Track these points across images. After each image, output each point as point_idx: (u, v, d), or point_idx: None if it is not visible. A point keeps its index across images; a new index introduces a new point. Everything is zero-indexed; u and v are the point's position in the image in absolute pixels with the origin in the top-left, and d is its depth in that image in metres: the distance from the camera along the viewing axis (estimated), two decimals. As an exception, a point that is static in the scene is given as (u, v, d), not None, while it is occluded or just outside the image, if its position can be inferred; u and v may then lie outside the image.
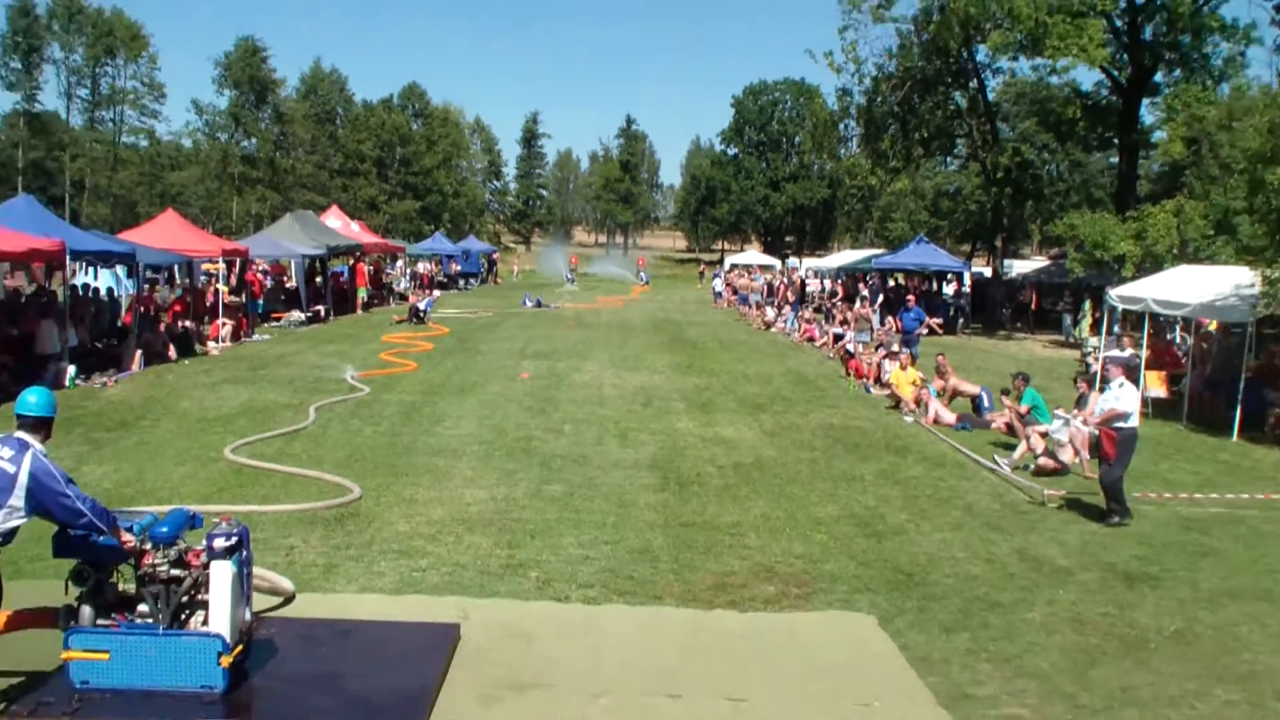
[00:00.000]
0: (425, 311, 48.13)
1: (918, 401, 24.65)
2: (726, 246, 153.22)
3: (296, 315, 45.88)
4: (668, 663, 9.88)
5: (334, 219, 61.29)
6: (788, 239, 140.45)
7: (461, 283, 78.89)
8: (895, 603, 11.82)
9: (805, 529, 14.69)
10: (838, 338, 38.38)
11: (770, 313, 53.08)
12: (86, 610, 8.94)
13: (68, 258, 28.08)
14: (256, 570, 10.14)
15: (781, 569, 12.86)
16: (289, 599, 11.19)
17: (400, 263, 69.88)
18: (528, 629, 10.62)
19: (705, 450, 19.95)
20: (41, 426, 8.68)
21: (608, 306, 64.16)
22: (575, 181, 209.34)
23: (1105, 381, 16.37)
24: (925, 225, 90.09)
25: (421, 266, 73.79)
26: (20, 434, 8.56)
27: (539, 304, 60.65)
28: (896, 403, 25.46)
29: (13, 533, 8.47)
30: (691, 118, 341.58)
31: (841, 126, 67.63)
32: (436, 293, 62.58)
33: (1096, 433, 16.50)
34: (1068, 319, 49.93)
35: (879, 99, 58.98)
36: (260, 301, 44.54)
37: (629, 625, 10.87)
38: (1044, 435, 19.77)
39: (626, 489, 16.68)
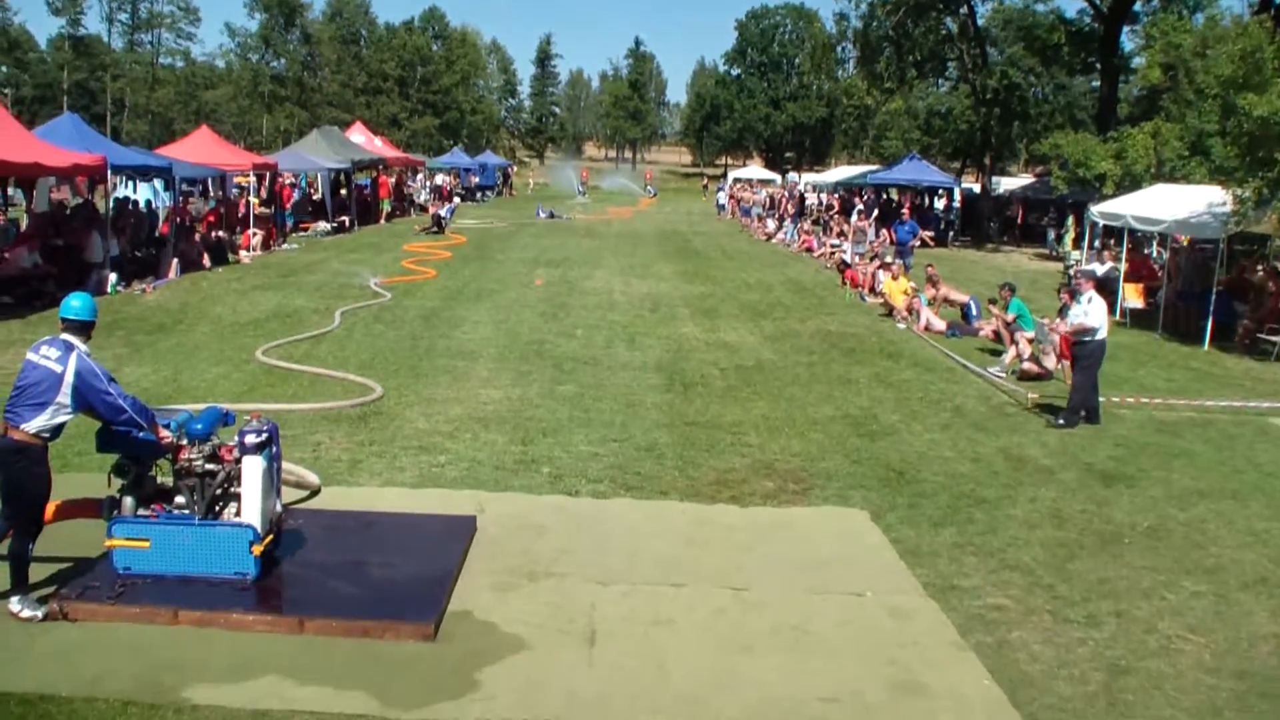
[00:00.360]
0: (446, 219, 47.94)
1: (910, 309, 24.60)
2: (730, 162, 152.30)
3: (323, 225, 45.73)
4: (672, 554, 9.90)
5: (358, 135, 60.95)
6: (788, 155, 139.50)
7: (478, 195, 78.42)
8: (886, 499, 11.83)
9: (802, 428, 14.68)
10: (834, 248, 38.27)
11: (771, 225, 52.79)
12: (128, 501, 8.98)
13: (109, 172, 27.97)
14: (285, 465, 10.15)
15: (780, 466, 12.86)
16: (315, 492, 11.23)
17: (420, 176, 69.55)
18: (540, 521, 10.64)
19: (709, 354, 19.91)
20: (84, 329, 8.65)
21: (617, 218, 63.91)
22: (586, 100, 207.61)
23: (1076, 294, 16.27)
24: (918, 143, 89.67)
25: (440, 179, 73.28)
26: (65, 336, 8.55)
27: (552, 215, 60.33)
28: (890, 310, 25.38)
29: (60, 428, 8.47)
30: (696, 39, 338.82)
31: (839, 49, 67.19)
32: (457, 200, 62.16)
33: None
34: (1051, 234, 49.64)
35: (874, 23, 58.57)
36: (289, 212, 44.33)
37: (636, 518, 10.89)
38: (1031, 342, 19.73)
39: (634, 390, 16.66)
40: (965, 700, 7.53)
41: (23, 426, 8.24)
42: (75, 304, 8.69)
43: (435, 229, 46.50)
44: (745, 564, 9.72)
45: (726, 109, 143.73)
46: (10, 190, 33.73)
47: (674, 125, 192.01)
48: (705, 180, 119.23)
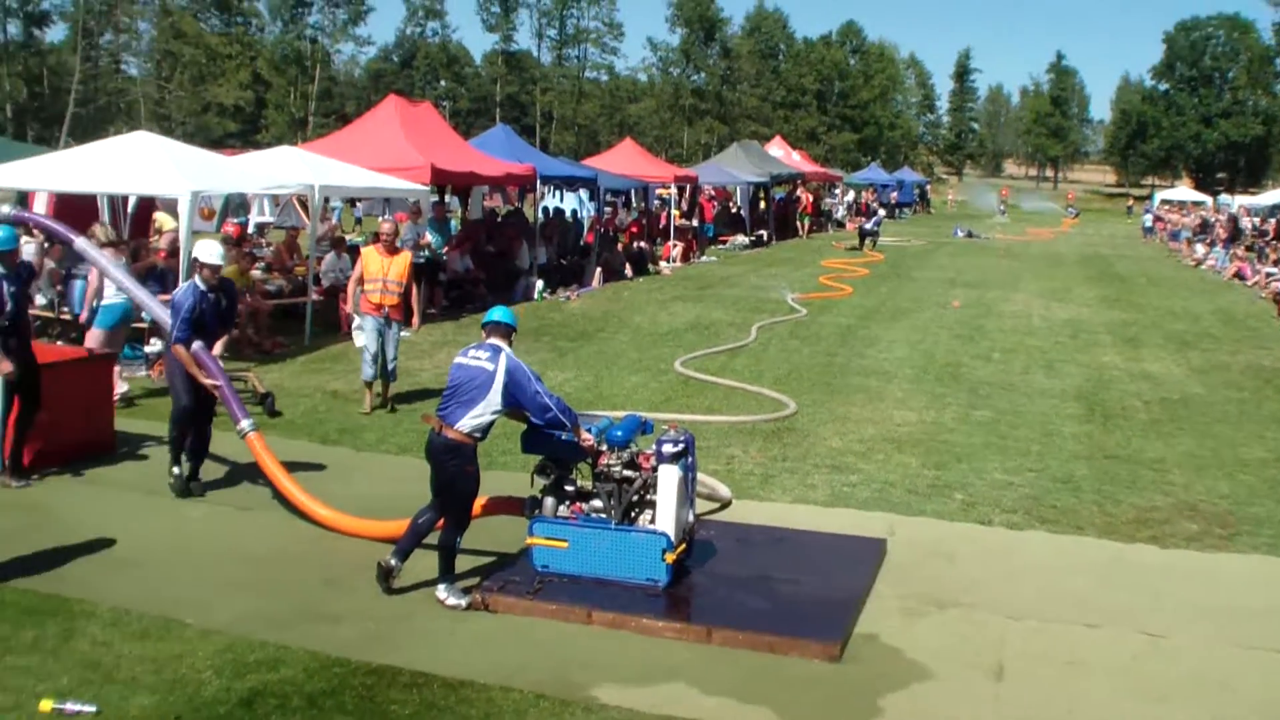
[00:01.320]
0: (873, 229, 47.78)
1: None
2: (1156, 182, 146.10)
3: (741, 239, 46.46)
4: (1086, 592, 9.54)
5: (777, 149, 61.73)
6: (1219, 176, 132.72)
7: (896, 212, 78.01)
8: (1327, 551, 11.05)
9: (1231, 469, 13.89)
10: (1270, 277, 36.19)
11: (1200, 249, 50.44)
12: (549, 502, 9.35)
13: (538, 182, 29.27)
14: (699, 475, 10.36)
15: (1205, 508, 12.21)
16: (726, 504, 11.40)
17: (838, 191, 69.77)
18: (951, 549, 10.47)
19: (1131, 384, 19.16)
20: (507, 333, 9.09)
21: (1037, 239, 62.33)
22: (1005, 116, 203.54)
23: None
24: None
25: (852, 196, 73.33)
26: (492, 340, 9.02)
27: (970, 234, 59.48)
28: (1333, 346, 23.81)
29: (489, 427, 8.92)
30: (1121, 53, 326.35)
31: (1277, 62, 63.39)
32: (881, 212, 61.97)
33: None
34: None
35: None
36: (709, 225, 45.22)
37: (1049, 552, 10.56)
38: None
39: (1052, 418, 16.18)
40: None
41: (456, 425, 8.72)
42: (498, 314, 9.19)
43: (860, 246, 46.42)
44: (1164, 609, 9.25)
45: (1153, 126, 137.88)
46: (448, 197, 35.68)
47: (1097, 143, 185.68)
48: (1130, 201, 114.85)
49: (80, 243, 13.08)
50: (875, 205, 65.75)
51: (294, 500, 10.58)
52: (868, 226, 48.31)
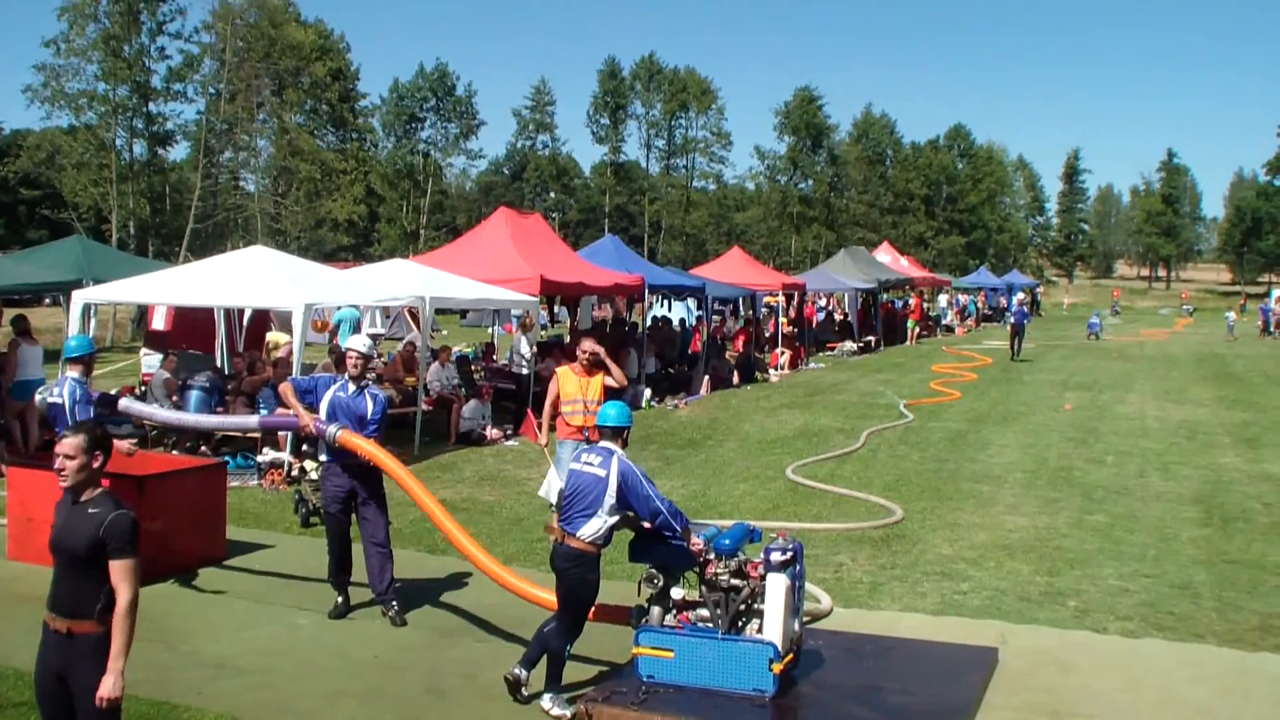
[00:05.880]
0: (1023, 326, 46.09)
1: None
2: (1273, 279, 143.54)
3: (849, 345, 46.38)
4: (1208, 703, 9.27)
5: (885, 254, 61.75)
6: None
7: (1003, 317, 77.38)
8: None
9: (1359, 574, 13.54)
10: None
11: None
12: (656, 611, 9.29)
13: (646, 291, 29.46)
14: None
15: (1332, 613, 11.90)
16: (826, 614, 11.29)
17: (944, 296, 69.51)
18: (1065, 658, 10.24)
19: (1251, 486, 18.71)
20: (619, 435, 9.19)
21: (1150, 339, 61.53)
22: (1116, 215, 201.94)
23: None
24: None
25: (962, 299, 72.98)
26: (605, 443, 9.10)
27: (1099, 328, 59.37)
28: None
29: (610, 534, 9.03)
30: (1234, 149, 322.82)
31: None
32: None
33: None
34: None
35: None
36: (808, 331, 45.19)
37: (1168, 661, 10.28)
38: None
39: (1168, 522, 15.84)
40: None
41: (579, 534, 8.80)
42: (611, 413, 9.32)
43: (1014, 351, 44.71)
44: (1291, 719, 9.02)
45: (1269, 222, 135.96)
46: (557, 308, 36.00)
47: (1210, 241, 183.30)
48: (1243, 299, 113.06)
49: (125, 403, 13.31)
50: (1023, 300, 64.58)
51: (424, 506, 10.82)
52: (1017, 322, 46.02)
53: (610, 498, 8.83)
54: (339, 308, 22.56)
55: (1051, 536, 14.88)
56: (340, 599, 11.30)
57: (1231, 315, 69.91)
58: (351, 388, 11.36)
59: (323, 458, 11.54)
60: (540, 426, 14.67)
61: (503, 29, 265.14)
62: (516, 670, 8.96)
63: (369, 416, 11.38)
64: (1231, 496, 17.82)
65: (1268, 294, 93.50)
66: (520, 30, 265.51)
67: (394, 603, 11.21)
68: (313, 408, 11.37)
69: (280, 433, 17.41)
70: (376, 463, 10.93)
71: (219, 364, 22.97)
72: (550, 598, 9.40)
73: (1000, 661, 9.96)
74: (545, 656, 8.89)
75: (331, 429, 10.96)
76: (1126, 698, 9.34)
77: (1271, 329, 66.15)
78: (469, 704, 8.99)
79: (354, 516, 11.47)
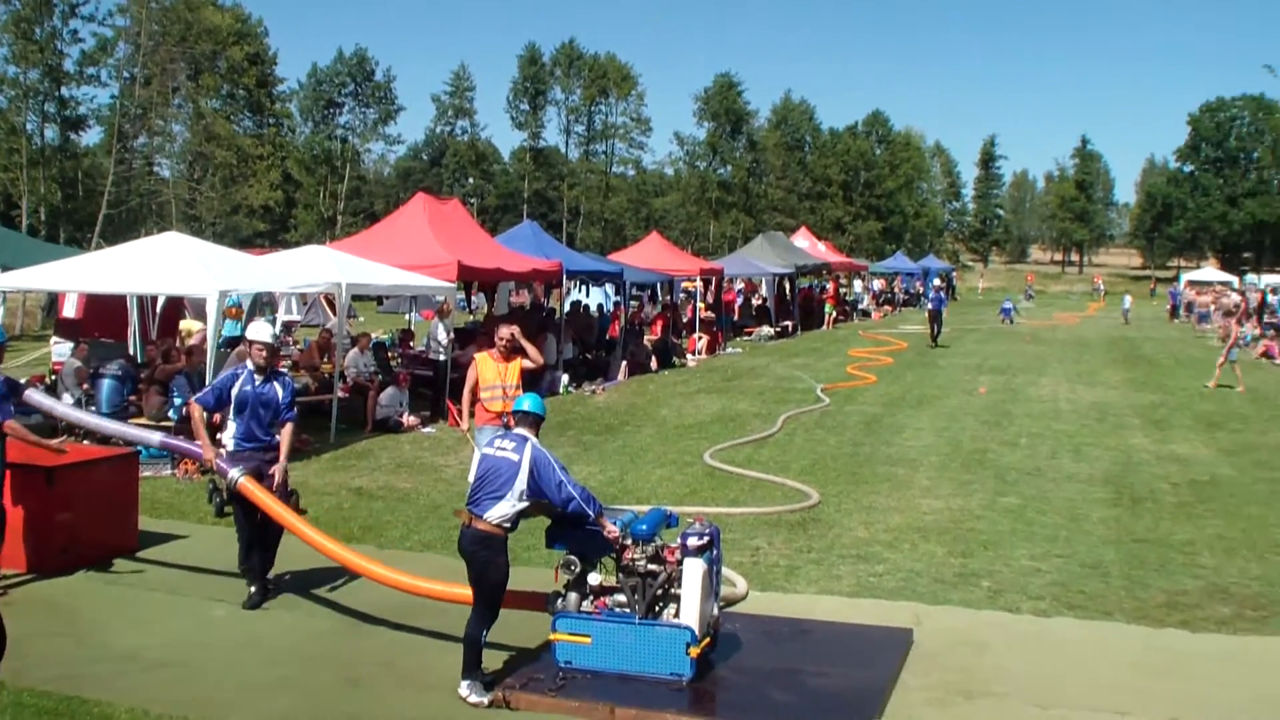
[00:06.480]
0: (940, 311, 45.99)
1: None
2: (1182, 264, 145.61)
3: (766, 330, 46.55)
4: (1117, 679, 9.42)
5: (802, 240, 62.00)
6: (1246, 255, 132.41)
7: (919, 300, 78.02)
8: (1360, 632, 10.87)
9: (1263, 551, 13.71)
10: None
11: (1232, 329, 50.26)
12: (573, 597, 9.31)
13: (564, 276, 29.40)
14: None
15: (1237, 590, 12.06)
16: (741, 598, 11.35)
17: (858, 282, 69.95)
18: (979, 638, 10.36)
19: (1159, 467, 19.02)
20: (535, 423, 9.24)
21: (1063, 323, 62.33)
22: (1031, 201, 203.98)
23: None
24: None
25: (875, 284, 73.48)
26: (520, 430, 9.13)
27: (1012, 310, 59.98)
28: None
29: (518, 519, 9.01)
30: (1146, 136, 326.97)
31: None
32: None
33: None
34: None
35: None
36: (726, 317, 45.29)
37: (1079, 639, 10.44)
38: None
39: (1079, 503, 16.07)
40: None
41: (485, 516, 8.78)
42: (526, 403, 9.37)
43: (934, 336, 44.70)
44: (1196, 695, 9.12)
45: (1179, 208, 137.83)
46: (475, 294, 35.83)
47: (1122, 226, 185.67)
48: (1153, 283, 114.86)
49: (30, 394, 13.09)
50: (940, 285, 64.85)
51: (316, 545, 10.62)
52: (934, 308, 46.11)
53: (521, 483, 8.83)
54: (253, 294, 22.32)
55: (965, 518, 15.04)
56: (253, 589, 11.20)
57: (1128, 299, 71.00)
58: (258, 378, 11.27)
59: (229, 444, 11.36)
60: (460, 413, 14.64)
61: (423, 14, 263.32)
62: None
63: (281, 402, 11.37)
64: (1140, 477, 18.10)
65: (1177, 278, 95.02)
66: (440, 15, 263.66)
67: (263, 586, 11.24)
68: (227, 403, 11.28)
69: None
70: (275, 517, 10.78)
71: (132, 352, 22.66)
72: (465, 593, 9.36)
73: (915, 642, 10.06)
74: (463, 643, 8.83)
75: (233, 474, 10.82)
76: (1039, 675, 9.47)
77: (1180, 313, 67.17)
78: (386, 693, 8.94)
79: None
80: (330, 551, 10.53)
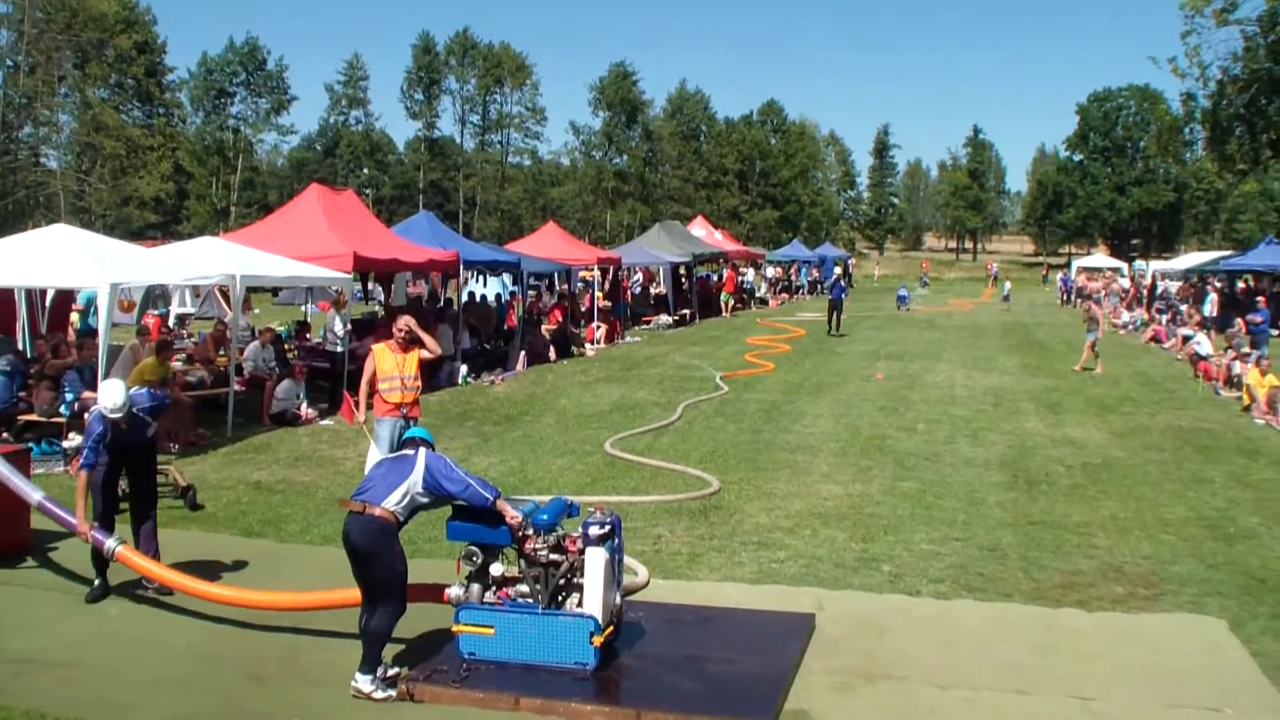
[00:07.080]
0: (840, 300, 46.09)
1: (1271, 404, 23.24)
2: (1073, 250, 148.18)
3: (664, 319, 46.66)
4: (1016, 659, 9.55)
5: (699, 228, 62.27)
6: (1134, 242, 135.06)
7: (817, 288, 78.57)
8: (1247, 608, 11.04)
9: (1154, 530, 13.99)
10: (1186, 339, 36.68)
11: (1125, 315, 51.23)
12: (475, 588, 9.26)
13: (461, 267, 29.23)
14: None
15: (1130, 569, 12.28)
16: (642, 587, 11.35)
17: (752, 271, 70.28)
18: (880, 621, 10.45)
19: (1054, 450, 19.30)
20: (428, 447, 9.38)
21: (958, 309, 63.09)
22: (925, 190, 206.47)
23: None
24: (1276, 227, 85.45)
25: (770, 272, 73.79)
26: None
27: (904, 305, 60.43)
28: (1248, 405, 24.07)
29: (412, 512, 8.99)
30: (1036, 126, 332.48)
31: (1186, 130, 64.89)
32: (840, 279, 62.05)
33: None
34: None
35: (1224, 102, 56.12)
36: (622, 305, 45.30)
37: (978, 620, 10.56)
38: None
39: (976, 487, 16.25)
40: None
41: (381, 503, 8.74)
42: (418, 432, 9.74)
43: (833, 325, 45.02)
44: (1093, 673, 9.27)
45: (1069, 196, 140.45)
46: (371, 285, 35.54)
47: (1014, 214, 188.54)
48: (1045, 269, 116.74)
49: None
50: (839, 275, 65.28)
51: (197, 593, 10.35)
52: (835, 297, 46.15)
53: (418, 475, 8.86)
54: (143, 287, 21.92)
55: (865, 504, 15.14)
56: (97, 581, 11.08)
57: (1008, 285, 72.30)
58: (124, 425, 10.95)
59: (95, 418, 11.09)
60: (358, 405, 14.49)
61: (315, 2, 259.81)
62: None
63: (150, 423, 11.38)
64: (1035, 460, 18.35)
65: (1068, 265, 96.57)
66: (333, 4, 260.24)
67: (105, 581, 11.15)
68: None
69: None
70: (158, 579, 10.64)
71: (21, 346, 22.20)
72: (354, 594, 9.25)
73: (818, 627, 10.11)
74: (365, 638, 8.74)
75: (110, 544, 10.61)
76: (940, 657, 9.57)
77: (1071, 299, 68.27)
78: (291, 689, 8.83)
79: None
80: (220, 598, 10.29)
